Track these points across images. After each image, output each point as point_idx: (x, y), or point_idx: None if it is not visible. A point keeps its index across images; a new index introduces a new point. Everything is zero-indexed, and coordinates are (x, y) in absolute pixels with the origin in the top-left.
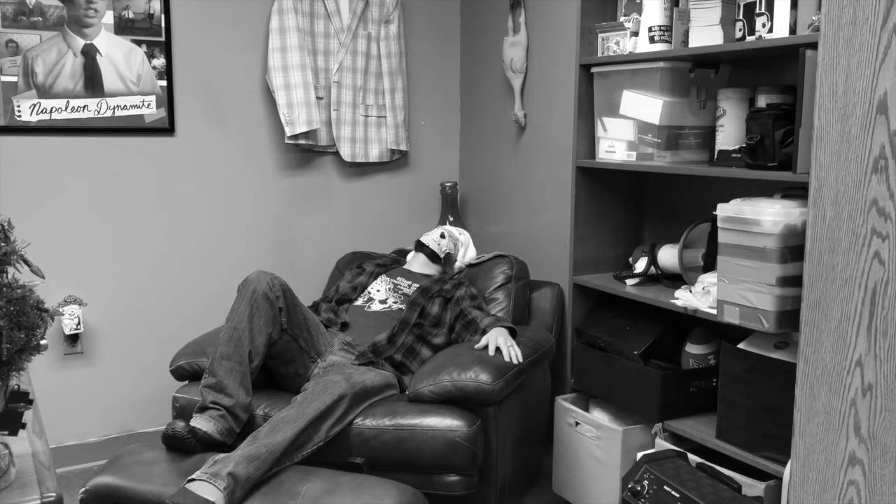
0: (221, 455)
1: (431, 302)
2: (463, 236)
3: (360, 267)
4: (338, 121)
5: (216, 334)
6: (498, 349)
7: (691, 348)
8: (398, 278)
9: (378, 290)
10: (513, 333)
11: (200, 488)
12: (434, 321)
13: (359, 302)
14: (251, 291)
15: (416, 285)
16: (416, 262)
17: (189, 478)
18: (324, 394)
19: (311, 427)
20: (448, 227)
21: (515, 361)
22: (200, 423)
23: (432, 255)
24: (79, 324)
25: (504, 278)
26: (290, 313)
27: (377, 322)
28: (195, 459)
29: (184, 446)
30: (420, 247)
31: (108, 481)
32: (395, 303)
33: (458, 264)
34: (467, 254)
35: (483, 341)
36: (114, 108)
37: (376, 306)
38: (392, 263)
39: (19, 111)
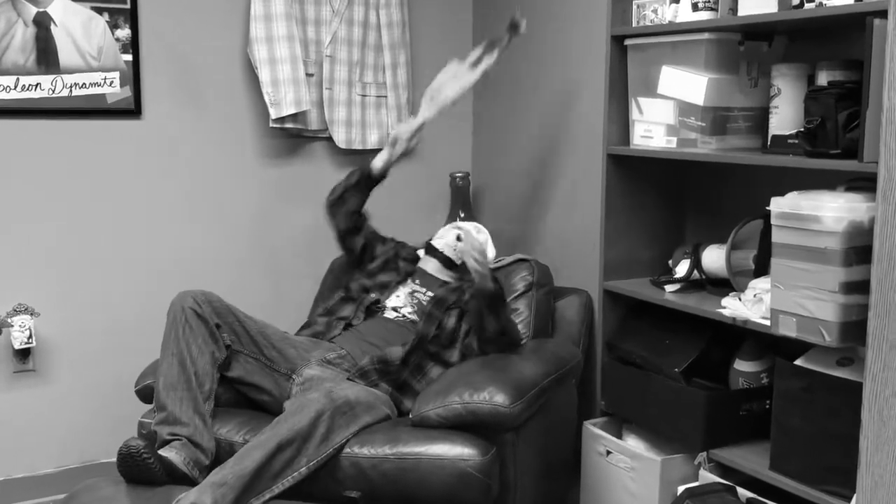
0: (185, 493)
1: (448, 315)
2: (482, 235)
3: (387, 263)
4: (331, 101)
5: None
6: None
7: (741, 365)
8: (416, 282)
9: (398, 296)
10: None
11: None
12: (449, 338)
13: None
14: (179, 310)
15: (431, 293)
16: (430, 265)
17: None
18: (299, 413)
19: (287, 450)
20: (464, 225)
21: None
22: (162, 454)
23: (447, 262)
24: (30, 337)
25: (524, 286)
26: (233, 328)
27: (385, 332)
28: (161, 494)
29: (143, 468)
30: (432, 251)
31: None
32: (410, 312)
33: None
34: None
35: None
36: (71, 87)
37: (387, 313)
38: (414, 261)
39: None
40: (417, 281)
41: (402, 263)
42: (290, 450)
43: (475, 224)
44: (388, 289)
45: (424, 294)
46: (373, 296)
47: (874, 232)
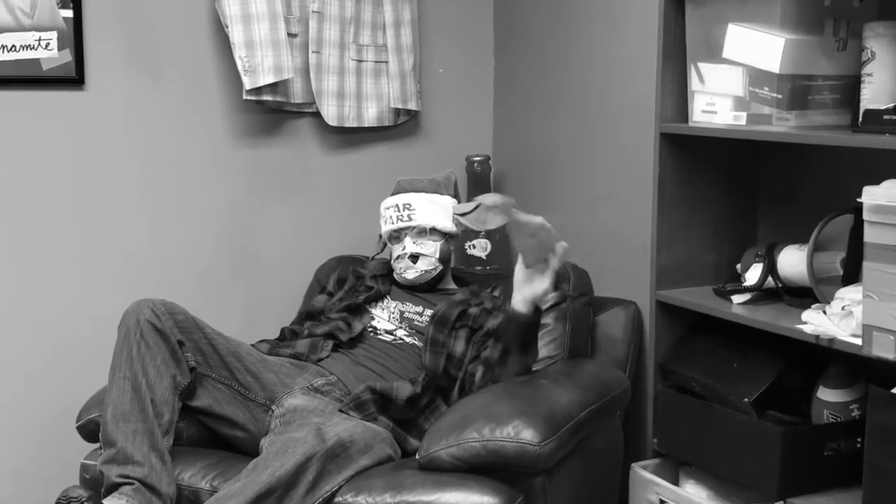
0: None
1: (454, 337)
2: (439, 199)
3: (352, 287)
4: (318, 68)
5: None
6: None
7: (825, 394)
8: (406, 303)
9: (379, 320)
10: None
11: None
12: (458, 367)
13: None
14: (134, 324)
15: (429, 311)
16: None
17: None
18: (282, 455)
19: (267, 501)
20: (415, 220)
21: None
22: (109, 503)
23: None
24: None
25: (557, 295)
26: (200, 347)
27: (383, 356)
28: None
29: None
30: (413, 259)
31: None
32: (405, 335)
33: (480, 239)
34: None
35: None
36: None
37: (381, 335)
38: (389, 273)
39: None
40: (408, 303)
41: (374, 283)
42: (270, 500)
43: (426, 195)
44: (364, 313)
45: (421, 315)
46: (357, 326)
47: None
